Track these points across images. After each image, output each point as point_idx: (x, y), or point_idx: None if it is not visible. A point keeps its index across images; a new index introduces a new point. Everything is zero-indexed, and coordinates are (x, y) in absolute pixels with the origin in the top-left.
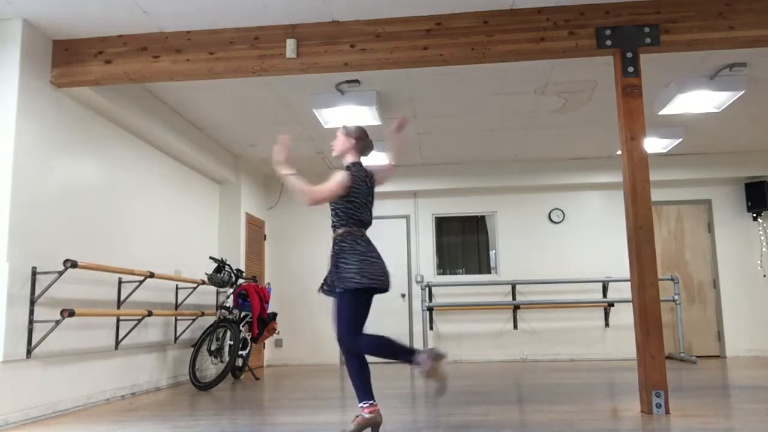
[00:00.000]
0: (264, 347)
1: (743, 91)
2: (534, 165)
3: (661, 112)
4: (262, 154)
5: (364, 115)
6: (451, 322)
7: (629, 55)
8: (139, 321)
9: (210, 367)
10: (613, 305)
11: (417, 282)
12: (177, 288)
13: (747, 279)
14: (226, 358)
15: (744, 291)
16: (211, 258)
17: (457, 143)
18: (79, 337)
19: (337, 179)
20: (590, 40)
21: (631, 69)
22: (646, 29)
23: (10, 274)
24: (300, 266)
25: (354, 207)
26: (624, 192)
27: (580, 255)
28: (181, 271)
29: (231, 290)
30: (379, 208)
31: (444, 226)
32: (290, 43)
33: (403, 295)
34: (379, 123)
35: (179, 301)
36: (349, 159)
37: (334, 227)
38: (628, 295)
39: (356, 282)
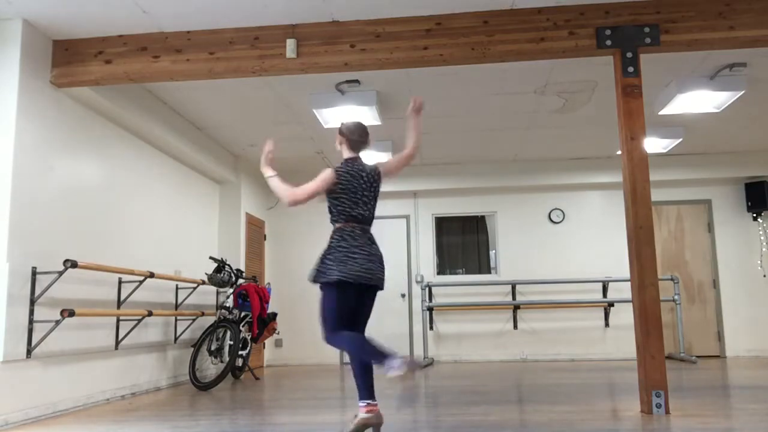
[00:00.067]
0: (264, 347)
1: (743, 91)
2: (534, 165)
3: (661, 112)
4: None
5: (364, 115)
6: (451, 322)
7: (629, 55)
8: (139, 321)
9: (210, 367)
10: (613, 305)
11: (417, 282)
12: (177, 288)
13: (747, 279)
14: (226, 358)
15: (744, 291)
16: (211, 258)
17: (457, 143)
18: (79, 337)
19: (319, 177)
20: (590, 40)
21: (631, 69)
22: (646, 29)
23: (10, 274)
24: (300, 266)
25: (342, 203)
26: (624, 192)
27: (580, 255)
28: (181, 271)
29: (231, 290)
30: (379, 208)
31: (444, 226)
32: (290, 43)
33: (403, 295)
34: (379, 123)
35: (179, 301)
36: (345, 155)
37: (332, 224)
38: (628, 295)
39: (326, 276)
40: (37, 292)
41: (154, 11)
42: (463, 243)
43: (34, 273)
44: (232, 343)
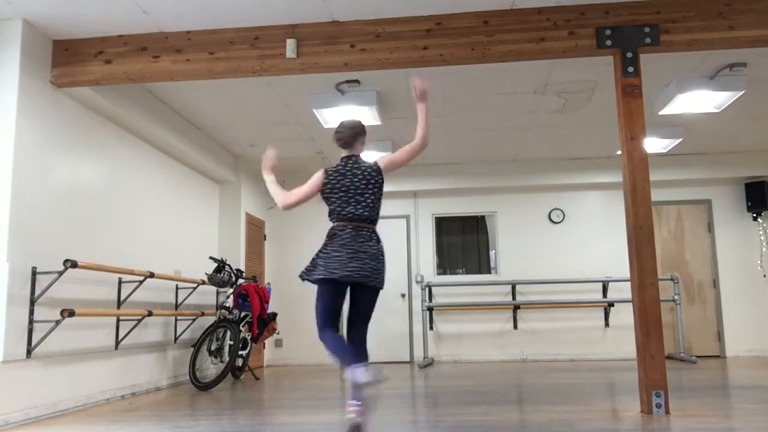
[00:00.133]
0: (264, 347)
1: (743, 91)
2: (534, 165)
3: (661, 112)
4: (262, 154)
5: (364, 115)
6: (451, 322)
7: (629, 55)
8: (139, 321)
9: (210, 367)
10: (613, 305)
11: (417, 282)
12: (177, 288)
13: (747, 279)
14: (226, 358)
15: (744, 291)
16: (211, 258)
17: (457, 143)
18: (79, 337)
19: (310, 180)
20: (590, 40)
21: (631, 69)
22: (646, 29)
23: (10, 274)
24: (300, 266)
25: (333, 203)
26: (624, 192)
27: (580, 255)
28: (181, 271)
29: (231, 290)
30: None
31: (444, 226)
32: (290, 43)
33: (403, 295)
34: (379, 123)
35: (179, 301)
36: (341, 154)
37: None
38: (628, 295)
39: (309, 274)
40: (37, 292)
41: (154, 11)
42: (463, 243)
43: (34, 273)
44: (232, 343)
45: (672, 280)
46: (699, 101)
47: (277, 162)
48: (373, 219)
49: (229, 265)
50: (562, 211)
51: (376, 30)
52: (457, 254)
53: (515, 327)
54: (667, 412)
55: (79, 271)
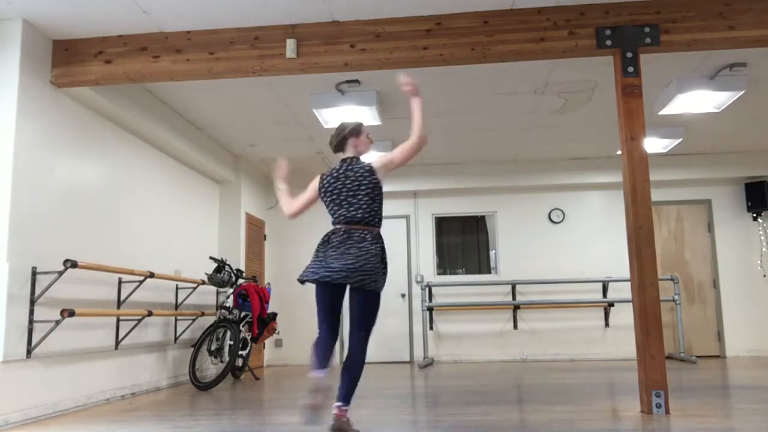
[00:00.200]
0: (264, 347)
1: (743, 91)
2: (534, 165)
3: (661, 112)
4: (262, 154)
5: (364, 115)
6: (451, 322)
7: (629, 55)
8: (139, 321)
9: (210, 367)
10: (613, 305)
11: (417, 282)
12: (177, 288)
13: (747, 279)
14: (226, 358)
15: (744, 291)
16: (211, 258)
17: (457, 143)
18: (79, 337)
19: (308, 187)
20: (590, 40)
21: (631, 69)
22: (646, 29)
23: (10, 274)
24: (300, 266)
25: (328, 206)
26: (624, 192)
27: (580, 255)
28: (181, 271)
29: (231, 290)
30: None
31: (444, 226)
32: (290, 43)
33: (403, 295)
34: (380, 123)
35: (179, 301)
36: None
37: None
38: (628, 295)
39: (301, 276)
40: (37, 292)
41: (154, 11)
42: (463, 243)
43: (34, 273)
44: (232, 343)
45: (672, 280)
46: (699, 101)
47: (288, 172)
48: (367, 220)
49: (229, 265)
50: (562, 211)
51: (376, 30)
52: (457, 254)
53: (515, 327)
54: (667, 412)
55: (79, 271)
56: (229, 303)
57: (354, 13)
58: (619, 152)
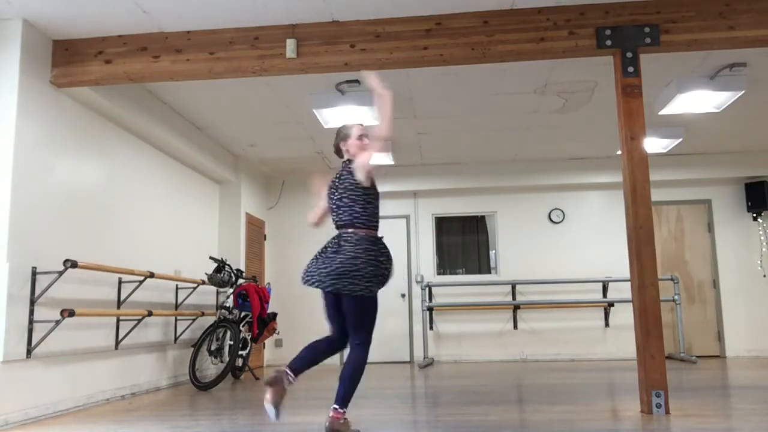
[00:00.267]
0: (264, 347)
1: (743, 91)
2: (534, 165)
3: (661, 112)
4: (262, 154)
5: (364, 115)
6: (451, 322)
7: (629, 55)
8: (139, 321)
9: (210, 367)
10: (613, 305)
11: (417, 282)
12: (177, 288)
13: (747, 279)
14: (226, 358)
15: (744, 291)
16: (211, 258)
17: (457, 143)
18: (79, 337)
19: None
20: (590, 40)
21: (631, 69)
22: (646, 29)
23: (10, 274)
24: (300, 266)
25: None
26: (624, 192)
27: (580, 255)
28: (181, 271)
29: (231, 290)
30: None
31: (444, 226)
32: (290, 43)
33: (403, 295)
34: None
35: (179, 301)
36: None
37: None
38: (628, 295)
39: None
40: (37, 292)
41: (154, 11)
42: (463, 243)
43: (34, 273)
44: (232, 343)
45: (672, 280)
46: (699, 101)
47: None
48: (353, 222)
49: (229, 265)
50: (562, 211)
51: (376, 30)
52: (457, 254)
53: (515, 327)
54: (667, 412)
55: (79, 271)
56: (229, 303)
57: (354, 13)
58: (619, 152)
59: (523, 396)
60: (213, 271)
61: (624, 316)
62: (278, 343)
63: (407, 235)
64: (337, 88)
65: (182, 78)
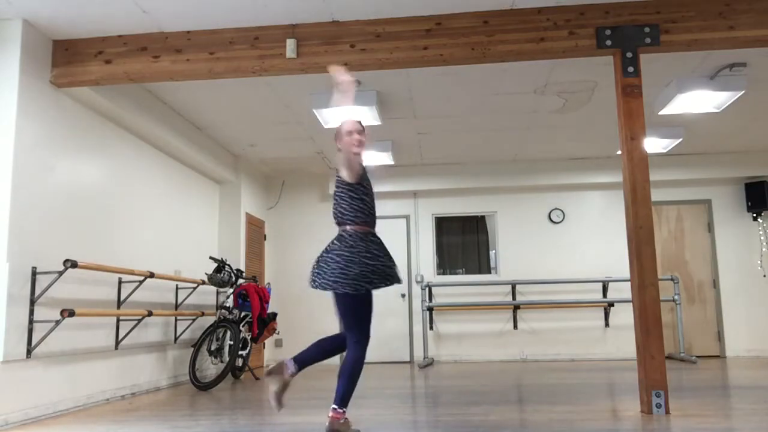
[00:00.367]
0: (264, 347)
1: (743, 91)
2: (534, 165)
3: (661, 112)
4: (262, 154)
5: (364, 115)
6: (451, 322)
7: (629, 55)
8: (139, 321)
9: (210, 367)
10: (613, 305)
11: (417, 282)
12: (177, 288)
13: (747, 279)
14: (226, 358)
15: (744, 291)
16: (211, 258)
17: (457, 143)
18: (79, 337)
19: None
20: (590, 40)
21: (631, 69)
22: (646, 29)
23: (10, 274)
24: (300, 266)
25: None
26: (624, 192)
27: (580, 255)
28: (181, 271)
29: (231, 290)
30: (379, 208)
31: (444, 226)
32: (290, 43)
33: (403, 295)
34: (380, 123)
35: (179, 301)
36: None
37: None
38: (628, 295)
39: None
40: (37, 292)
41: (154, 11)
42: (463, 243)
43: (34, 273)
44: (232, 343)
45: (672, 280)
46: (699, 101)
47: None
48: (343, 220)
49: (229, 265)
50: (562, 211)
51: (376, 30)
52: (457, 254)
53: (515, 327)
54: (667, 412)
55: (79, 271)
56: (229, 303)
57: (354, 13)
58: (619, 152)
59: (523, 396)
60: (213, 271)
61: (624, 316)
62: (278, 343)
63: (407, 235)
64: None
65: (182, 78)
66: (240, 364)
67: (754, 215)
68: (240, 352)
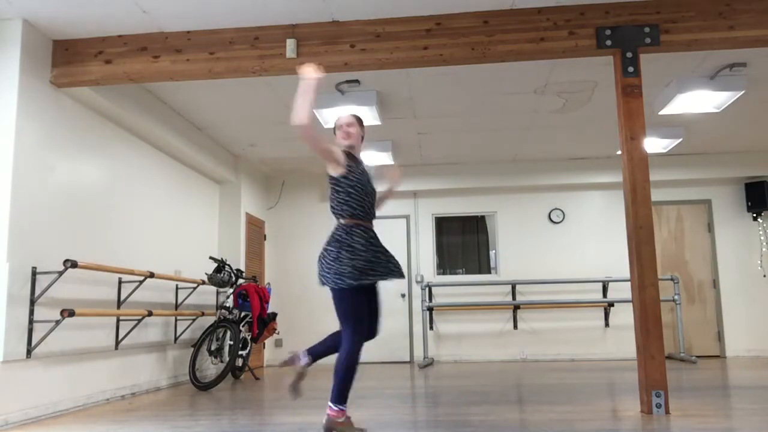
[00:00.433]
0: (264, 347)
1: (743, 91)
2: (534, 165)
3: (661, 112)
4: (262, 154)
5: (365, 115)
6: (451, 322)
7: (629, 55)
8: (139, 321)
9: (210, 367)
10: (613, 305)
11: (417, 282)
12: (177, 288)
13: (747, 279)
14: (226, 358)
15: (744, 291)
16: (211, 258)
17: (457, 143)
18: (79, 337)
19: None
20: (590, 40)
21: (631, 69)
22: (646, 29)
23: (10, 274)
24: (300, 266)
25: None
26: (624, 192)
27: (580, 255)
28: (181, 271)
29: (231, 290)
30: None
31: (444, 226)
32: (290, 43)
33: (403, 295)
34: (379, 123)
35: (179, 301)
36: (360, 151)
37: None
38: (628, 295)
39: None
40: (37, 292)
41: (154, 11)
42: (463, 243)
43: (34, 273)
44: (232, 343)
45: (672, 280)
46: (699, 101)
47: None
48: (333, 214)
49: (229, 265)
50: (562, 211)
51: (376, 30)
52: (457, 254)
53: (515, 327)
54: (667, 412)
55: (79, 271)
56: (229, 303)
57: (354, 13)
58: (619, 152)
59: (523, 396)
60: (213, 271)
61: (624, 316)
62: (278, 343)
63: (407, 235)
64: (337, 88)
65: (182, 78)
66: (240, 364)
67: (754, 215)
68: (240, 352)
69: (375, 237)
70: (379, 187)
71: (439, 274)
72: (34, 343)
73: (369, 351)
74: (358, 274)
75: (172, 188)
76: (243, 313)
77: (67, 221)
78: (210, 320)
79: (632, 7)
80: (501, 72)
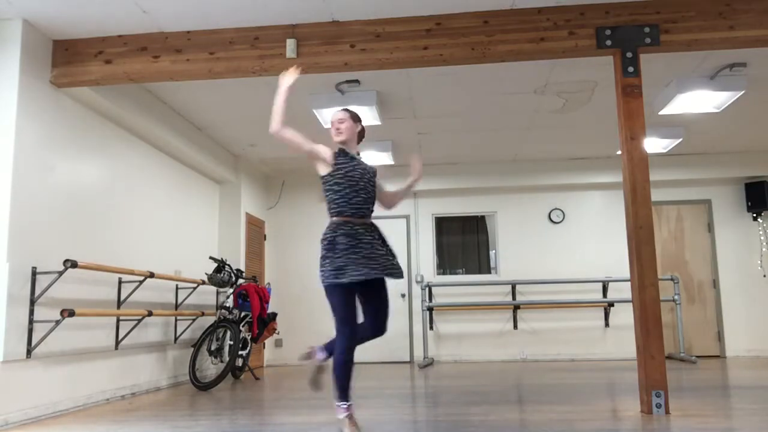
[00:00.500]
0: (264, 347)
1: (743, 91)
2: (534, 165)
3: (661, 112)
4: (262, 154)
5: (365, 115)
6: (451, 322)
7: (629, 55)
8: (139, 321)
9: (210, 367)
10: (613, 305)
11: (417, 282)
12: (177, 288)
13: (747, 279)
14: (226, 358)
15: (744, 291)
16: (211, 258)
17: (457, 143)
18: (79, 337)
19: None
20: (590, 40)
21: (631, 69)
22: (646, 29)
23: (10, 274)
24: (300, 266)
25: None
26: (624, 192)
27: (580, 255)
28: (181, 271)
29: (231, 290)
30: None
31: (444, 226)
32: (290, 43)
33: (403, 295)
34: (379, 123)
35: (179, 301)
36: (355, 147)
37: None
38: (628, 295)
39: None
40: (37, 292)
41: (154, 11)
42: (463, 243)
43: (34, 273)
44: (232, 343)
45: (672, 280)
46: (699, 101)
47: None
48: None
49: (229, 265)
50: (562, 211)
51: (376, 30)
52: (457, 254)
53: (515, 327)
54: (667, 412)
55: (79, 271)
56: (229, 303)
57: (354, 13)
58: (619, 152)
59: (523, 396)
60: (213, 271)
61: (624, 316)
62: (278, 343)
63: (407, 235)
64: (337, 88)
65: (182, 78)
66: (240, 364)
67: (754, 215)
68: (240, 352)
69: (367, 233)
70: (395, 185)
71: (439, 274)
72: (34, 343)
73: (369, 351)
74: (336, 272)
75: (172, 188)
76: (243, 313)
77: (67, 221)
78: (210, 320)
79: (632, 7)
80: (501, 72)
